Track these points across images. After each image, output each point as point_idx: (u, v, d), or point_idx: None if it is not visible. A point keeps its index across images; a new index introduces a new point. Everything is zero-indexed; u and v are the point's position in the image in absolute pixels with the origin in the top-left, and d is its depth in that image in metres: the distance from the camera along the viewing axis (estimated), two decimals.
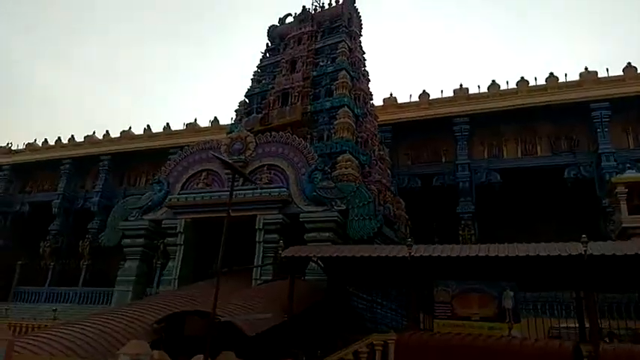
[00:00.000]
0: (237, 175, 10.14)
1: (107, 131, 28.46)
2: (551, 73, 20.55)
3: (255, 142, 15.18)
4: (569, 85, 20.01)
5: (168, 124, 27.64)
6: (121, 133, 28.12)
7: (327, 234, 13.02)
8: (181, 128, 27.18)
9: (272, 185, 14.27)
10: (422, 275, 9.40)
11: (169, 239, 14.86)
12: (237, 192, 14.39)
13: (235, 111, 19.38)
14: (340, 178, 14.40)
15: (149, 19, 70.41)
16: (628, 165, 16.66)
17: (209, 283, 13.26)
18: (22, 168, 28.81)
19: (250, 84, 19.66)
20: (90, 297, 22.60)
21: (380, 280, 12.43)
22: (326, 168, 14.34)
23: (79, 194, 27.16)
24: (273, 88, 18.24)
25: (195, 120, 27.22)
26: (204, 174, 15.50)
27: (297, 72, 18.08)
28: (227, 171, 14.99)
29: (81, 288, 23.24)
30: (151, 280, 15.90)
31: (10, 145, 30.67)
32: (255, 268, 13.43)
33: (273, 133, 15.39)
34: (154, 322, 9.83)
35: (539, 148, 19.99)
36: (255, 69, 20.03)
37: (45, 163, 28.09)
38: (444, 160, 21.36)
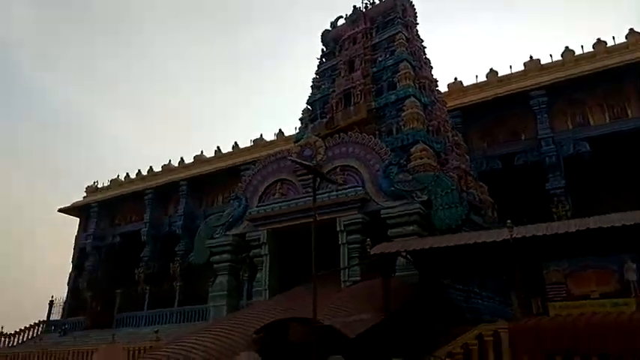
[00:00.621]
0: (315, 178, 10.00)
1: (182, 158, 29.71)
2: (631, 29, 18.84)
3: (325, 145, 15.05)
4: None
5: (236, 142, 28.38)
6: (194, 157, 29.23)
7: (412, 227, 12.56)
8: (249, 145, 27.76)
9: (347, 186, 14.04)
10: (528, 257, 8.72)
11: (254, 251, 15.05)
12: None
13: (299, 119, 19.45)
14: (417, 169, 13.92)
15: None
16: None
17: (299, 290, 13.24)
18: (110, 203, 30.64)
19: (311, 91, 19.68)
20: (186, 315, 23.44)
21: (477, 269, 11.80)
22: (401, 161, 13.92)
23: (164, 220, 28.42)
24: (334, 91, 18.11)
25: (261, 135, 27.71)
26: (279, 184, 15.59)
27: (356, 71, 17.84)
28: (301, 178, 15.04)
29: (177, 308, 24.23)
30: (241, 293, 16.19)
31: (96, 183, 32.84)
32: (343, 271, 13.22)
33: (340, 134, 15.20)
34: (254, 332, 9.87)
35: (629, 110, 18.28)
36: (314, 75, 20.03)
37: (129, 195, 29.72)
38: (523, 137, 20.10)
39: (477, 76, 21.87)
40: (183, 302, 24.94)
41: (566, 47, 19.86)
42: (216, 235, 16.07)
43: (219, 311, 15.14)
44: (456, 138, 16.60)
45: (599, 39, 19.32)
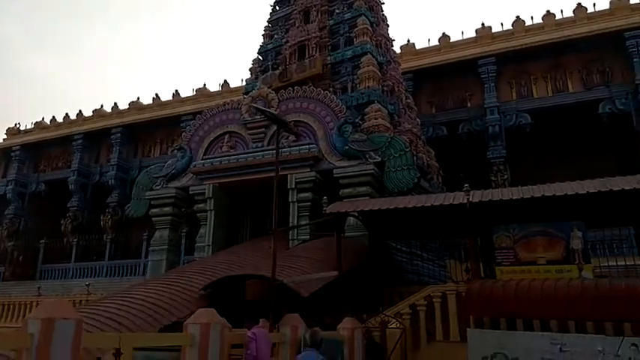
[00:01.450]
0: (278, 130, 9.46)
1: (115, 103, 27.78)
2: (579, 4, 19.37)
3: (278, 98, 14.43)
4: (599, 15, 18.85)
5: (177, 90, 26.84)
6: (129, 104, 27.38)
7: (364, 188, 12.44)
8: (191, 94, 26.35)
9: (300, 142, 13.61)
10: (480, 222, 8.85)
11: (198, 205, 14.39)
12: (265, 152, 13.83)
13: (249, 70, 18.50)
14: (371, 129, 13.71)
15: None
16: None
17: (246, 247, 12.89)
18: (34, 147, 28.24)
19: (262, 40, 18.70)
20: (118, 270, 22.55)
21: (426, 232, 11.95)
22: (356, 120, 13.63)
23: (94, 169, 26.67)
24: (287, 42, 17.29)
25: (205, 85, 26.34)
26: (226, 137, 14.86)
27: (312, 22, 17.06)
28: (252, 132, 14.43)
29: (107, 261, 23.18)
30: (180, 249, 15.61)
31: (18, 125, 30.08)
32: (291, 229, 12.95)
33: (295, 88, 14.61)
34: (201, 288, 9.46)
35: (570, 84, 19.01)
36: (266, 24, 18.99)
37: (56, 140, 27.50)
38: (469, 105, 20.48)
39: (429, 40, 21.89)
40: (114, 256, 23.93)
41: (517, 17, 20.17)
42: (157, 187, 15.18)
43: (158, 266, 14.50)
44: (409, 101, 16.52)
45: (548, 11, 19.75)
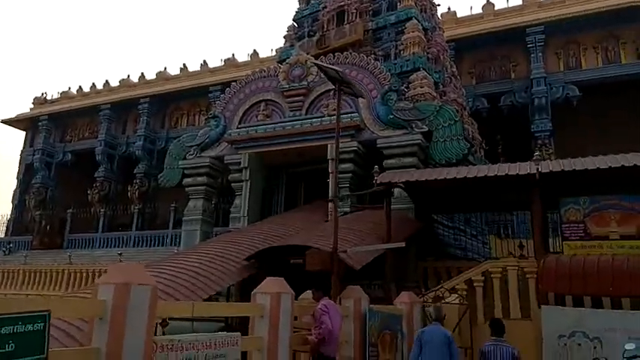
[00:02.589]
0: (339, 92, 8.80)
1: (142, 73, 27.31)
2: None
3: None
4: None
5: (205, 61, 26.25)
6: (156, 74, 26.92)
7: (410, 159, 11.80)
8: (219, 65, 25.73)
9: (342, 111, 12.93)
10: (548, 194, 8.18)
11: (233, 175, 13.93)
12: (304, 121, 13.24)
13: (284, 37, 17.80)
14: (416, 98, 12.97)
15: None
16: None
17: (284, 218, 12.45)
18: (60, 117, 28.09)
19: (297, 6, 17.91)
20: (145, 240, 22.49)
21: (477, 205, 11.29)
22: (401, 88, 12.90)
23: (121, 140, 26.43)
24: (325, 7, 16.47)
25: (233, 55, 25.69)
26: (262, 105, 14.27)
27: None
28: (290, 100, 13.83)
29: (135, 232, 23.11)
30: (214, 219, 15.27)
31: (44, 95, 29.92)
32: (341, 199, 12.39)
33: (335, 54, 13.87)
34: (245, 258, 9.05)
35: (622, 55, 17.88)
36: None
37: (83, 110, 27.26)
38: (513, 76, 19.49)
39: (471, 8, 20.78)
40: (140, 227, 23.86)
41: None
42: (190, 156, 14.75)
43: (192, 236, 14.16)
44: (453, 69, 15.70)
45: None
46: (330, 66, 8.08)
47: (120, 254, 16.22)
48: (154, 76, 26.91)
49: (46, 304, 3.04)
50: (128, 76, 27.68)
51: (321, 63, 8.76)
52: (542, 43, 18.42)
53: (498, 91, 19.37)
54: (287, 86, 13.77)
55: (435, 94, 13.29)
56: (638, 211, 7.73)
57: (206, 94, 24.59)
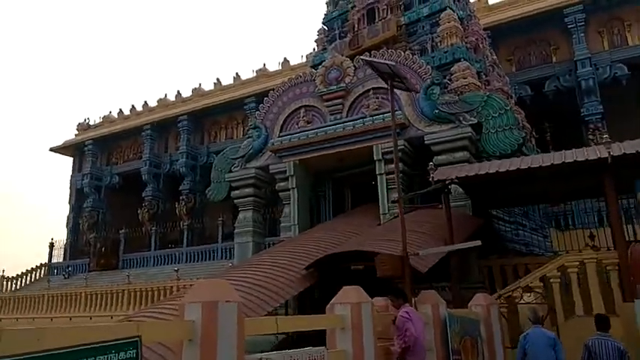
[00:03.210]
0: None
1: (178, 91, 27.86)
2: None
3: (354, 66, 13.56)
4: None
5: (237, 73, 26.53)
6: (192, 90, 27.40)
7: (462, 153, 11.41)
8: (252, 76, 25.94)
9: (384, 110, 12.71)
10: (621, 179, 7.69)
11: (280, 184, 13.88)
12: (345, 124, 13.06)
13: (315, 41, 17.70)
14: (461, 90, 12.57)
15: None
16: None
17: (336, 224, 12.27)
18: (104, 140, 28.98)
19: (326, 9, 17.81)
20: (197, 255, 22.86)
21: (538, 197, 10.80)
22: (444, 81, 12.55)
23: (165, 158, 27.02)
24: (354, 6, 16.29)
25: (264, 65, 25.84)
26: (302, 111, 14.17)
27: None
28: (329, 103, 13.69)
29: (186, 248, 23.49)
30: (265, 229, 15.27)
31: (87, 120, 30.94)
32: (382, 203, 12.16)
33: (371, 53, 13.65)
34: (305, 267, 8.94)
35: None
36: None
37: (125, 132, 28.06)
38: (554, 60, 18.77)
39: None
40: (190, 243, 24.24)
41: None
42: (235, 169, 14.81)
43: (245, 248, 14.18)
44: (494, 57, 15.20)
45: None
46: (382, 61, 7.86)
47: (176, 270, 16.42)
48: (189, 93, 27.39)
49: (135, 329, 2.95)
50: (165, 95, 28.33)
51: (372, 59, 8.53)
52: (582, 23, 17.66)
53: (541, 77, 18.73)
54: (325, 90, 13.64)
55: (479, 84, 12.87)
56: None
57: (241, 106, 24.86)
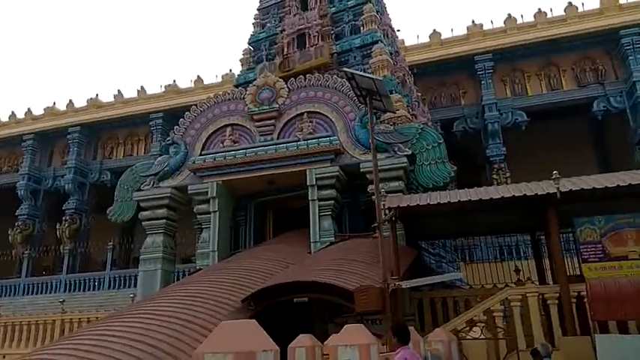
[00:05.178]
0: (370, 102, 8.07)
1: (70, 100, 24.96)
2: (570, 3, 19.40)
3: (288, 87, 13.04)
4: (590, 14, 18.95)
5: (142, 87, 24.55)
6: (87, 101, 24.73)
7: (397, 183, 11.29)
8: (159, 91, 24.17)
9: (318, 135, 12.29)
10: (564, 214, 7.96)
11: (200, 207, 12.64)
12: (278, 146, 12.38)
13: (240, 60, 16.97)
14: (394, 121, 12.62)
15: None
16: None
17: (266, 250, 11.35)
18: None
19: (252, 29, 17.22)
20: (80, 284, 20.16)
21: (471, 229, 10.94)
22: (379, 111, 12.48)
23: (47, 173, 23.84)
24: (283, 30, 15.94)
25: (174, 81, 24.27)
26: (228, 130, 13.23)
27: (312, 10, 15.80)
28: (260, 124, 12.94)
29: (67, 275, 20.61)
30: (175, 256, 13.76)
31: None
32: (313, 230, 11.54)
33: (306, 76, 13.29)
34: (242, 300, 7.92)
35: (563, 82, 18.97)
36: (256, 12, 17.52)
37: (1, 141, 24.37)
38: (463, 102, 20.02)
39: (418, 37, 21.26)
40: (71, 270, 21.38)
41: (509, 14, 19.91)
42: (146, 187, 13.25)
43: (152, 277, 12.54)
44: (419, 94, 15.66)
45: (539, 9, 19.62)
46: (367, 75, 7.38)
47: (62, 302, 14.05)
48: (84, 104, 24.68)
49: None
50: (54, 103, 25.22)
51: (355, 72, 8.04)
52: (491, 70, 19.12)
53: (451, 117, 19.78)
54: (257, 109, 12.90)
55: (410, 117, 13.05)
56: None
57: (146, 122, 23.03)
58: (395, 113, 11.56)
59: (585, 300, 7.35)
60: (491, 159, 18.47)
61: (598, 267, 7.78)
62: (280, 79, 13.26)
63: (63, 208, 22.70)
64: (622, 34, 17.73)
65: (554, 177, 7.59)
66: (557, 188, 7.43)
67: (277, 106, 12.80)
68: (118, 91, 24.64)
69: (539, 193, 7.62)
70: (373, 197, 11.39)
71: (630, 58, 17.57)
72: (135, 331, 6.93)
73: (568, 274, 8.29)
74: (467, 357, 7.21)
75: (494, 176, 17.96)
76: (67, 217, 22.18)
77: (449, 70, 20.08)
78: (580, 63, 18.85)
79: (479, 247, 16.03)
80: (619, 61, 18.22)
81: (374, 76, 7.48)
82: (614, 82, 18.27)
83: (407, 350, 4.32)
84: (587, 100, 18.36)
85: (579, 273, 8.56)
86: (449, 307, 10.36)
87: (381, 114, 12.83)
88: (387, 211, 8.60)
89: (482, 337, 7.60)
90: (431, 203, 8.18)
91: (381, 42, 14.40)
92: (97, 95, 24.93)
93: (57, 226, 22.04)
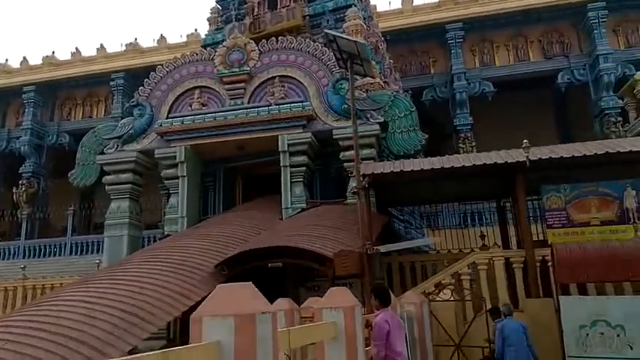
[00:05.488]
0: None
1: (25, 57, 23.53)
2: None
3: (259, 49, 12.67)
4: None
5: (102, 45, 23.40)
6: (43, 59, 23.38)
7: (369, 150, 11.28)
8: (120, 50, 23.08)
9: (291, 100, 12.07)
10: (531, 181, 8.19)
11: (167, 171, 12.31)
12: (249, 110, 12.11)
13: (207, 19, 16.39)
14: (366, 87, 12.53)
15: None
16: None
17: (237, 216, 11.25)
18: None
19: None
20: (39, 250, 19.50)
21: (440, 196, 11.14)
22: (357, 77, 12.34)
23: (1, 135, 22.62)
24: None
25: (136, 39, 23.21)
26: (197, 92, 12.79)
27: None
28: (230, 87, 12.56)
29: (25, 241, 19.90)
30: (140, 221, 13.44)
31: None
32: (284, 197, 11.48)
33: (278, 38, 12.93)
34: (215, 265, 7.86)
35: (530, 53, 19.26)
36: None
37: None
38: (432, 71, 20.08)
39: (390, 3, 21.03)
40: (29, 235, 20.65)
41: None
42: (110, 150, 12.76)
43: (118, 243, 12.23)
44: (391, 61, 15.55)
45: None
46: (351, 38, 7.22)
47: (23, 268, 13.59)
48: (39, 61, 23.33)
49: None
50: (7, 60, 23.73)
51: (337, 34, 7.82)
52: (461, 40, 19.16)
53: (420, 86, 19.80)
54: (226, 72, 12.50)
55: (382, 84, 12.98)
56: (614, 197, 8.03)
57: (106, 82, 22.04)
58: (375, 78, 11.41)
59: (549, 264, 7.67)
60: (458, 128, 18.74)
61: (562, 232, 8.09)
62: (251, 41, 12.85)
63: (19, 171, 21.72)
64: (589, 8, 18.02)
65: (524, 146, 7.76)
66: (527, 157, 7.61)
67: (248, 69, 12.44)
68: (76, 49, 23.42)
69: (509, 161, 7.79)
70: (345, 164, 11.54)
71: (595, 32, 17.94)
72: (108, 297, 6.77)
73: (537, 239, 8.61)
74: (437, 318, 7.44)
75: (461, 145, 18.27)
76: (24, 181, 21.27)
77: (420, 38, 20.02)
78: (547, 35, 19.13)
79: (443, 214, 16.44)
80: (584, 35, 18.59)
81: (357, 40, 7.33)
82: (579, 55, 18.68)
83: (387, 312, 4.42)
84: (553, 72, 18.75)
85: (542, 238, 8.92)
86: (416, 271, 10.62)
87: (354, 81, 12.75)
88: (361, 178, 8.58)
89: (451, 299, 7.84)
90: (405, 170, 8.22)
91: (355, 6, 14.11)
92: (53, 53, 23.60)
93: (13, 190, 21.09)
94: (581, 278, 6.67)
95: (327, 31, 8.93)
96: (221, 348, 2.12)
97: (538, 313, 7.50)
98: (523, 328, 6.45)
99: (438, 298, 8.00)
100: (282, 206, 11.48)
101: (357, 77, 11.33)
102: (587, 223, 8.04)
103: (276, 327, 2.39)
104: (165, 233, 11.82)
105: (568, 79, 18.53)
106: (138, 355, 1.89)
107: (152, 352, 1.87)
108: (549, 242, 8.03)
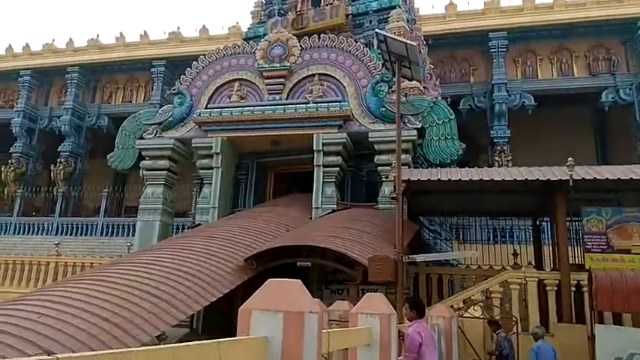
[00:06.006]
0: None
1: (70, 39, 24.17)
2: None
3: (300, 46, 12.71)
4: (610, 0, 18.54)
5: (145, 31, 23.81)
6: (88, 41, 23.96)
7: (405, 156, 11.11)
8: (163, 38, 23.47)
9: (328, 99, 12.07)
10: (571, 201, 7.96)
11: (202, 161, 12.48)
12: (287, 106, 12.16)
13: (251, 13, 16.54)
14: (405, 92, 12.41)
15: None
16: None
17: (270, 211, 11.31)
18: None
19: None
20: (71, 228, 20.03)
21: (473, 209, 10.96)
22: (393, 79, 12.26)
23: (43, 112, 23.31)
24: None
25: (178, 28, 23.60)
26: (236, 84, 12.95)
27: None
28: (270, 81, 12.65)
29: (59, 218, 20.47)
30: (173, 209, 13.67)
31: None
32: (315, 196, 11.49)
33: (320, 35, 12.94)
34: (245, 259, 7.93)
35: (575, 68, 18.73)
36: None
37: None
38: (472, 80, 19.74)
39: (433, 6, 20.80)
40: (64, 213, 21.23)
41: None
42: (149, 136, 13.03)
43: (150, 228, 12.48)
44: (432, 66, 15.37)
45: None
46: (400, 38, 7.17)
47: (57, 244, 14.01)
48: (84, 44, 23.94)
49: (214, 352, 1.95)
50: (53, 40, 24.43)
51: (389, 34, 7.80)
52: (504, 49, 18.76)
53: (458, 94, 19.48)
54: (267, 66, 12.59)
55: (422, 89, 12.85)
56: None
57: (148, 68, 22.44)
58: (420, 82, 11.31)
59: (584, 289, 7.45)
60: (495, 140, 18.36)
61: (600, 258, 7.85)
62: (294, 37, 12.91)
63: (58, 149, 22.33)
64: (639, 25, 17.41)
65: (568, 164, 7.55)
66: (571, 175, 7.40)
67: (288, 64, 12.50)
68: (120, 33, 23.87)
69: (552, 179, 7.59)
70: (379, 168, 11.48)
71: None
72: (143, 281, 6.91)
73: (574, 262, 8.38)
74: (465, 334, 7.32)
75: (497, 158, 17.91)
76: (62, 160, 21.85)
77: (461, 44, 19.67)
78: (593, 50, 18.55)
79: (473, 228, 16.16)
80: (633, 53, 17.98)
81: (407, 41, 7.23)
82: (626, 73, 18.07)
83: (420, 324, 4.37)
84: (597, 89, 18.17)
85: (578, 262, 8.67)
86: (443, 284, 10.48)
87: (392, 83, 12.65)
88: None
89: (481, 316, 7.70)
90: (443, 179, 8.11)
91: (399, 7, 14.01)
92: (97, 36, 24.17)
93: (51, 168, 21.73)
94: (620, 307, 6.46)
95: (378, 30, 8.84)
96: (269, 342, 2.15)
97: (569, 338, 7.31)
98: (554, 352, 6.45)
99: (467, 314, 7.86)
100: (313, 205, 11.51)
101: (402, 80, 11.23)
102: (627, 250, 7.78)
103: (321, 327, 2.40)
104: (196, 222, 12.00)
105: (613, 98, 17.94)
106: (191, 342, 1.92)
107: (206, 341, 1.90)
108: (587, 267, 7.80)
